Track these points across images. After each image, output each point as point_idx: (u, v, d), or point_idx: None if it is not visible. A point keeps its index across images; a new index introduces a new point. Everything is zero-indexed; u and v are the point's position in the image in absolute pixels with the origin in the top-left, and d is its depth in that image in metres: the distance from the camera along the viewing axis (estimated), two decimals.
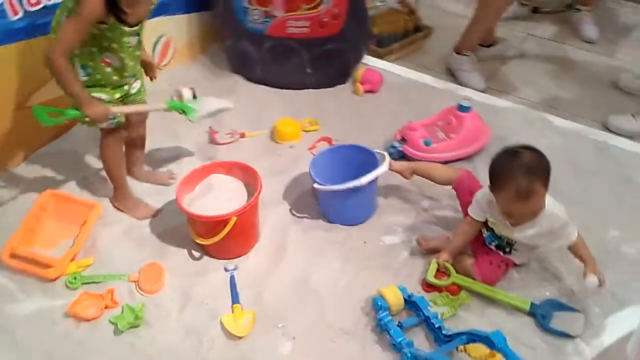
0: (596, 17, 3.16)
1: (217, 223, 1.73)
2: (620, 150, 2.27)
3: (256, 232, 1.91)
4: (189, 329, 1.67)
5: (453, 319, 1.67)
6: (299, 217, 2.00)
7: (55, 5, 1.87)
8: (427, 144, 2.15)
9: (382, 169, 1.89)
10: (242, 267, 1.83)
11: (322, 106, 2.50)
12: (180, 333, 1.66)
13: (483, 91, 2.67)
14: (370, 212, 2.00)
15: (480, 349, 1.56)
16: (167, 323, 1.68)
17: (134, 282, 1.77)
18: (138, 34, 1.78)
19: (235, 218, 1.72)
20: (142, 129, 2.06)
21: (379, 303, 1.64)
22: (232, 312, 1.69)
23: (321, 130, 2.36)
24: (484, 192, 1.74)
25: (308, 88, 2.59)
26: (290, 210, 2.02)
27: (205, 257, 1.86)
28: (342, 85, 2.62)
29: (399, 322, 1.62)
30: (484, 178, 1.76)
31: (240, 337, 1.64)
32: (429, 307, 1.66)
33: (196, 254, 1.87)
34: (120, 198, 2.01)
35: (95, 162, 2.18)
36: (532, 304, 1.69)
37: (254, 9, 2.45)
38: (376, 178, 1.88)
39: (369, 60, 2.72)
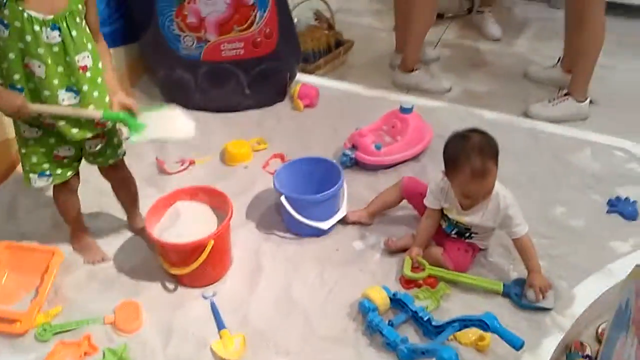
0: (496, 16, 3.42)
1: (194, 250, 1.69)
2: (551, 135, 2.44)
3: (230, 255, 1.88)
4: None
5: (437, 310, 1.71)
6: (267, 234, 1.99)
7: None
8: (378, 147, 2.20)
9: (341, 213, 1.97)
10: (220, 292, 1.80)
11: (265, 125, 2.52)
12: None
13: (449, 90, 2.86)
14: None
15: (469, 334, 1.62)
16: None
17: (111, 323, 1.69)
18: (59, 29, 1.45)
19: (212, 241, 1.69)
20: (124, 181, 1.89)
21: (367, 305, 1.66)
22: (221, 337, 1.65)
23: (270, 148, 2.37)
24: (436, 182, 1.83)
25: (248, 109, 2.58)
26: (257, 228, 2.01)
27: (180, 288, 1.81)
28: (281, 102, 2.65)
29: (389, 320, 1.65)
30: (432, 176, 1.82)
31: None
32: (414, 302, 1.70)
33: (170, 285, 1.81)
34: (75, 239, 1.92)
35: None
36: (504, 284, 1.77)
37: (186, 36, 2.43)
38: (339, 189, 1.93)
39: (301, 76, 2.76)
